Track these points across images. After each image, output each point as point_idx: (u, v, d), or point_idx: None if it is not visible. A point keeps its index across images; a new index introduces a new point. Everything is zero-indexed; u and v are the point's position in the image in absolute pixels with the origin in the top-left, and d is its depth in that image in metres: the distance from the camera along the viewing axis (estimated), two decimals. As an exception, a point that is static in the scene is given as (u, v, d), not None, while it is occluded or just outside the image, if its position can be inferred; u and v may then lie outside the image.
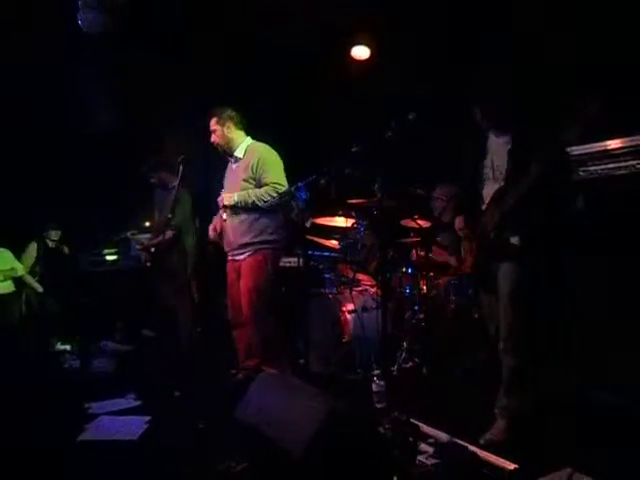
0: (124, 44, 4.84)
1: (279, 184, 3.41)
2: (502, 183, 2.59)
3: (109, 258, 5.40)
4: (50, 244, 5.51)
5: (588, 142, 3.07)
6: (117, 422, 2.97)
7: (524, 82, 2.93)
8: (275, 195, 3.37)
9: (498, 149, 2.64)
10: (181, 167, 3.63)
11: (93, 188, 5.49)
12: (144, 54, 5.09)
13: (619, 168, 2.98)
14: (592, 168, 3.10)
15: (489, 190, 2.66)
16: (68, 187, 5.53)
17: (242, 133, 3.59)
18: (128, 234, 4.89)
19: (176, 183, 4.56)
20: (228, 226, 3.52)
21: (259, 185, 3.43)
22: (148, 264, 4.56)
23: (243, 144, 3.57)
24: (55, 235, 5.53)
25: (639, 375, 2.77)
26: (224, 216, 3.54)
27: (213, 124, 3.54)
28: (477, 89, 2.70)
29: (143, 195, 4.80)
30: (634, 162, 2.90)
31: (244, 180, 3.45)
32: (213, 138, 3.54)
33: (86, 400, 3.28)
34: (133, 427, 2.86)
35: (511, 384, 2.60)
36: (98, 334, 4.69)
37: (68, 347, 4.40)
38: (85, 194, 5.49)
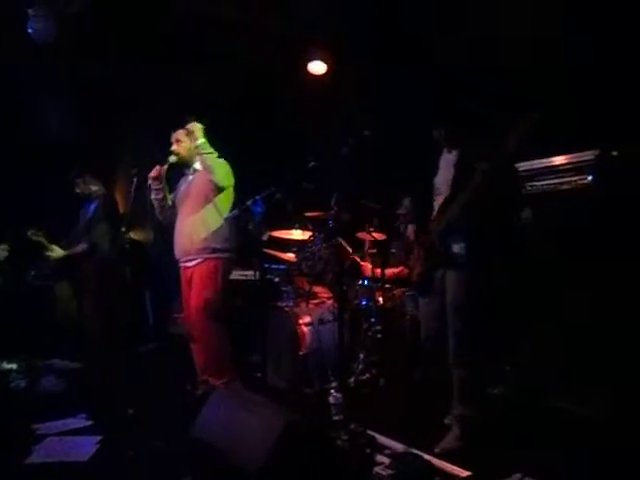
0: (76, 54, 4.76)
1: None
2: (448, 192, 2.70)
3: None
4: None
5: (534, 159, 3.23)
6: (66, 443, 2.85)
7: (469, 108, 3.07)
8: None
9: (448, 164, 2.76)
10: (135, 179, 3.58)
11: (42, 199, 5.32)
12: (97, 65, 5.01)
13: (562, 183, 3.15)
14: (538, 183, 3.27)
15: (437, 203, 2.77)
16: (14, 200, 5.34)
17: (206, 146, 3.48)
18: (29, 233, 4.69)
19: (100, 193, 4.55)
20: (178, 229, 3.50)
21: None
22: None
23: (203, 158, 3.45)
24: (5, 251, 5.30)
25: (589, 378, 2.90)
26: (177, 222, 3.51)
27: (180, 135, 3.50)
28: (441, 111, 2.81)
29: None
30: (576, 178, 3.07)
31: (203, 192, 3.43)
32: (177, 149, 3.50)
33: (34, 421, 3.15)
34: (83, 448, 2.76)
35: (463, 394, 2.67)
36: (45, 351, 4.52)
37: (14, 366, 4.21)
38: (32, 207, 5.30)
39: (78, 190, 4.60)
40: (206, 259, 3.39)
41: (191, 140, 3.46)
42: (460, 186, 2.60)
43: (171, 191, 3.67)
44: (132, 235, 5.32)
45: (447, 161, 2.77)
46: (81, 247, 4.43)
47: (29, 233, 4.52)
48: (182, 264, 3.49)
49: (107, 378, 3.93)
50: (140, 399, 3.35)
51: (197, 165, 3.53)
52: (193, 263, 3.41)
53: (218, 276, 3.40)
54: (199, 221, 3.42)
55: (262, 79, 5.11)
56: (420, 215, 2.95)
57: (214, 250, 3.41)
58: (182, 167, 3.61)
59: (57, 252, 4.51)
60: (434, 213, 2.78)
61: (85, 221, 4.55)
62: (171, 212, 3.60)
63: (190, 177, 3.58)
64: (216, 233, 3.41)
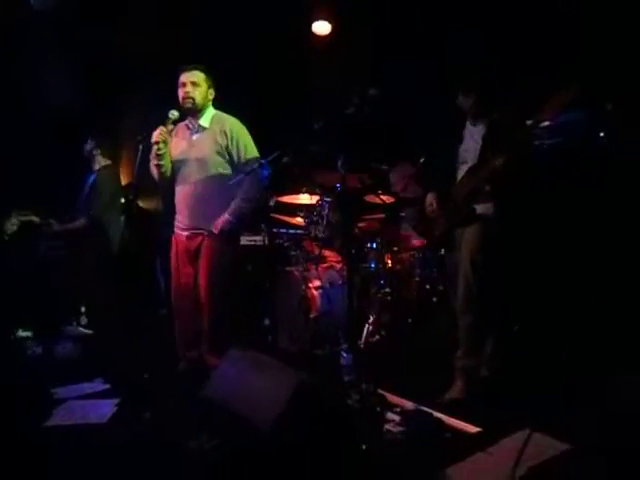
0: (77, 21, 4.68)
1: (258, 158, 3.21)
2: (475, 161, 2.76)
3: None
4: (9, 230, 5.32)
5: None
6: (85, 405, 2.94)
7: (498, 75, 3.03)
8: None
9: (474, 136, 2.81)
10: (141, 146, 3.55)
11: (46, 171, 5.32)
12: (98, 31, 4.93)
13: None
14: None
15: (462, 172, 2.84)
16: (20, 171, 5.34)
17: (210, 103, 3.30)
18: (13, 214, 4.67)
19: (99, 166, 4.52)
20: (189, 197, 3.19)
21: (234, 162, 3.19)
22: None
23: (208, 113, 3.24)
24: (15, 220, 5.33)
25: (598, 332, 2.93)
26: (182, 187, 3.22)
27: (198, 77, 3.15)
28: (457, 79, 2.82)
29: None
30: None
31: (217, 153, 3.15)
32: (192, 93, 3.11)
33: (52, 386, 3.23)
34: (102, 410, 2.84)
35: (469, 343, 2.73)
36: (61, 319, 4.61)
37: (30, 334, 4.30)
38: (39, 177, 5.31)
39: (85, 153, 4.58)
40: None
41: (208, 87, 3.20)
42: (487, 156, 2.65)
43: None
44: (140, 203, 5.33)
45: (472, 133, 2.83)
46: (79, 222, 4.45)
47: (13, 215, 4.52)
48: (189, 232, 3.21)
49: (121, 344, 4.00)
50: (154, 363, 3.42)
51: (203, 121, 3.22)
52: (203, 234, 3.18)
53: (230, 247, 3.22)
54: (212, 187, 3.15)
55: (266, 40, 5.00)
56: (439, 182, 3.00)
57: None
58: (184, 120, 3.26)
59: (53, 226, 4.53)
60: (458, 179, 2.85)
61: (85, 194, 4.55)
62: (169, 178, 3.29)
63: (194, 135, 3.24)
64: (228, 201, 3.17)
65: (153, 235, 5.27)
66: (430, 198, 3.02)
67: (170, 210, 3.51)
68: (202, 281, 3.17)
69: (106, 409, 2.84)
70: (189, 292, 3.23)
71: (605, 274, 3.02)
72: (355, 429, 2.31)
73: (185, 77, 3.15)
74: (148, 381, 3.13)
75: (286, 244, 4.37)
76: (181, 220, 3.26)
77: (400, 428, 2.34)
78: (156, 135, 3.10)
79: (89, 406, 2.93)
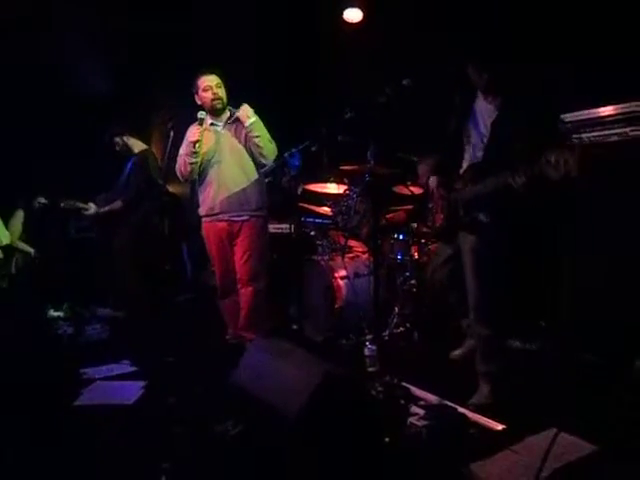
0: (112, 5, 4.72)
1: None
2: (480, 153, 2.59)
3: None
4: (38, 208, 5.43)
5: (580, 109, 3.08)
6: (113, 387, 3.01)
7: (523, 51, 2.90)
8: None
9: (483, 113, 2.62)
10: (172, 133, 3.58)
11: (80, 154, 5.40)
12: (132, 16, 4.97)
13: (610, 135, 3.00)
14: (584, 135, 3.11)
15: (468, 155, 2.67)
16: (55, 153, 5.44)
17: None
18: (62, 204, 4.78)
19: (138, 149, 4.57)
20: (228, 186, 3.41)
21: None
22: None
23: (228, 110, 3.48)
24: (43, 200, 5.45)
25: (621, 336, 2.85)
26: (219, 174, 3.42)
27: (220, 80, 3.38)
28: (475, 49, 2.65)
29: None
30: (627, 129, 2.91)
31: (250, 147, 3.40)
32: (220, 93, 3.36)
33: (81, 366, 3.31)
34: (129, 392, 2.89)
35: (486, 352, 2.66)
36: (91, 300, 4.71)
37: (61, 314, 4.41)
38: (72, 160, 5.40)
39: (117, 149, 4.64)
40: (257, 216, 3.45)
41: (224, 88, 3.40)
42: (495, 154, 2.48)
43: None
44: (169, 188, 5.39)
45: (483, 110, 2.63)
46: (117, 204, 4.52)
47: (62, 205, 4.62)
48: (226, 218, 3.43)
49: (148, 327, 4.07)
50: (180, 347, 3.48)
51: (231, 117, 3.44)
52: (242, 218, 3.41)
53: (265, 232, 3.54)
54: (247, 176, 3.42)
55: (297, 28, 4.97)
56: (446, 166, 2.84)
57: (263, 207, 3.49)
58: (214, 117, 3.46)
59: (92, 209, 4.61)
60: (463, 166, 2.69)
61: (123, 178, 4.62)
62: (196, 175, 3.50)
63: (223, 131, 3.45)
64: (263, 189, 3.50)
65: (181, 220, 5.34)
66: (433, 181, 2.86)
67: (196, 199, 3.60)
68: (243, 258, 3.42)
69: (133, 391, 2.90)
70: (233, 273, 3.49)
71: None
72: (379, 421, 2.32)
73: (209, 81, 3.36)
74: (175, 364, 3.19)
75: (312, 233, 4.37)
76: (218, 208, 3.44)
77: (424, 422, 2.32)
78: (194, 134, 3.31)
79: (116, 387, 3.00)
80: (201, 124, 3.30)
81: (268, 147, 3.37)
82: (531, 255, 3.26)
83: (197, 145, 3.31)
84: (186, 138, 3.41)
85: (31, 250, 5.26)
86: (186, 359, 3.30)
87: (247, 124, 3.33)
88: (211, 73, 3.37)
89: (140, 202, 4.50)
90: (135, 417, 2.62)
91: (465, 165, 2.70)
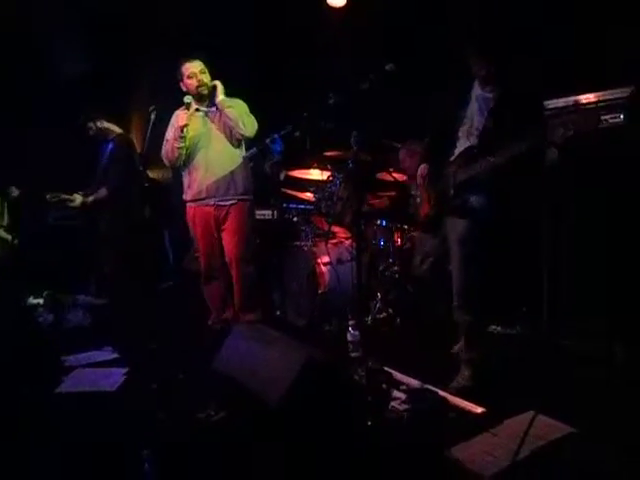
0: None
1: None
2: (475, 141, 2.56)
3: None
4: (11, 198, 5.33)
5: (561, 96, 3.10)
6: (95, 374, 2.99)
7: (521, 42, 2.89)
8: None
9: (480, 103, 2.58)
10: (152, 117, 3.53)
11: (59, 140, 5.30)
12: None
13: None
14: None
15: (461, 143, 2.63)
16: (32, 138, 5.33)
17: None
18: (47, 197, 4.69)
19: (115, 133, 4.49)
20: (215, 170, 3.43)
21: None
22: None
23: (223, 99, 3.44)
24: (16, 191, 5.34)
25: (599, 318, 2.91)
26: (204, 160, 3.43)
27: (201, 67, 3.37)
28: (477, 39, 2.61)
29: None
30: (607, 116, 2.93)
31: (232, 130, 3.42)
32: (204, 79, 3.36)
33: (62, 353, 3.28)
34: (111, 378, 2.89)
35: (469, 338, 2.69)
36: (72, 288, 4.66)
37: (41, 301, 4.35)
38: (50, 146, 5.30)
39: (91, 133, 4.54)
40: (244, 200, 3.49)
41: (207, 73, 3.40)
42: (489, 140, 2.46)
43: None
44: (150, 174, 5.32)
45: (479, 99, 2.59)
46: (101, 193, 4.41)
47: (48, 198, 4.53)
48: (213, 202, 3.45)
49: (130, 314, 4.05)
50: (162, 334, 3.47)
51: (217, 102, 3.41)
52: (229, 203, 3.45)
53: (252, 216, 3.63)
54: (233, 160, 3.46)
55: (279, 12, 4.90)
56: (436, 152, 2.80)
57: (249, 191, 3.52)
58: (200, 103, 3.46)
59: (77, 200, 4.52)
60: (455, 153, 2.66)
61: (103, 164, 4.52)
62: (184, 159, 3.49)
63: (209, 115, 3.46)
64: (249, 173, 3.54)
65: (162, 206, 5.29)
66: (422, 169, 2.82)
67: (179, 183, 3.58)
68: (233, 242, 3.48)
69: (115, 378, 2.89)
70: (219, 257, 3.54)
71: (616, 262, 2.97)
72: (361, 405, 2.34)
73: (193, 67, 3.36)
74: (157, 351, 3.18)
75: (295, 219, 4.36)
76: (205, 192, 3.45)
77: (405, 406, 2.36)
78: (182, 119, 3.34)
79: (98, 374, 2.98)
80: (188, 109, 3.33)
81: (245, 120, 3.37)
82: (516, 240, 3.28)
83: (185, 130, 3.33)
84: (172, 123, 3.42)
85: (8, 237, 5.17)
86: (168, 345, 3.29)
87: (219, 99, 3.37)
88: (194, 59, 3.37)
89: (124, 188, 4.42)
90: (117, 404, 2.61)
91: (457, 152, 2.67)
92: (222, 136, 3.44)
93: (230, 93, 3.47)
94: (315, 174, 4.21)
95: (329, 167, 4.09)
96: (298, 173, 4.27)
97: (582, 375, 2.67)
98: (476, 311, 2.65)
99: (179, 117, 3.36)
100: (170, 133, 3.42)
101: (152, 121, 3.51)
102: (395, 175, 4.02)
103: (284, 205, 4.35)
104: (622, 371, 2.67)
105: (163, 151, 3.46)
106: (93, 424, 2.38)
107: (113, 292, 4.47)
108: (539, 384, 2.60)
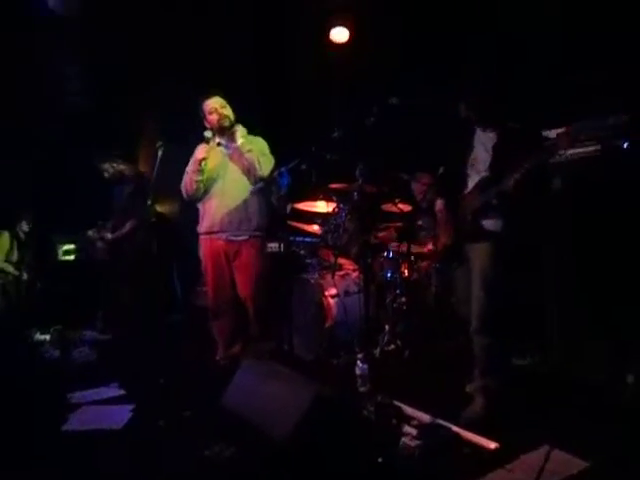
0: (98, 24, 4.74)
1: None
2: (486, 174, 2.67)
3: (66, 252, 5.33)
4: (21, 235, 5.40)
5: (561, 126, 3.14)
6: (101, 411, 2.95)
7: (508, 79, 2.98)
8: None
9: (485, 143, 2.71)
10: (160, 152, 3.58)
11: (66, 175, 5.38)
12: (118, 36, 4.98)
13: (593, 150, 3.07)
14: (568, 151, 3.18)
15: (473, 179, 2.74)
16: (40, 173, 5.41)
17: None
18: (90, 233, 4.78)
19: (133, 173, 4.57)
20: (230, 205, 3.44)
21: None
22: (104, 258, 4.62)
23: (238, 131, 3.50)
24: (26, 226, 5.41)
25: (613, 354, 2.87)
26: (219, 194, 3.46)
27: (224, 101, 3.45)
28: (463, 84, 2.74)
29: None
30: (607, 144, 2.98)
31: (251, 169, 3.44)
32: (226, 112, 3.43)
33: (68, 390, 3.25)
34: (117, 416, 2.84)
35: (485, 364, 2.67)
36: (78, 324, 4.65)
37: (47, 337, 4.34)
38: (58, 181, 5.37)
39: (107, 175, 4.61)
40: (257, 236, 3.51)
41: (228, 107, 3.47)
42: (498, 169, 2.58)
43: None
44: (158, 208, 5.37)
45: (482, 140, 2.73)
46: (127, 227, 4.47)
47: (88, 235, 4.61)
48: (225, 237, 3.46)
49: (137, 349, 4.02)
50: (170, 369, 3.43)
51: (238, 137, 3.46)
52: (240, 238, 3.45)
53: (265, 252, 3.65)
54: (249, 196, 3.46)
55: (286, 48, 5.02)
56: (449, 189, 2.91)
57: (262, 227, 3.54)
58: (221, 138, 3.51)
59: (108, 236, 4.58)
60: (468, 189, 2.76)
61: (123, 202, 4.58)
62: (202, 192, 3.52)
63: (229, 149, 3.50)
64: (263, 209, 3.55)
65: (170, 240, 5.31)
66: (439, 205, 2.95)
67: (192, 217, 3.60)
68: (246, 279, 3.47)
69: (122, 415, 2.85)
70: (229, 292, 3.51)
71: (624, 290, 2.95)
72: (371, 442, 2.30)
73: (213, 103, 3.45)
74: (164, 387, 3.14)
75: (302, 252, 4.36)
76: (218, 225, 3.46)
77: (417, 442, 2.30)
78: (202, 152, 3.42)
79: (104, 411, 2.94)
80: (208, 143, 3.40)
81: (261, 160, 3.41)
82: (528, 265, 3.29)
83: (203, 163, 3.40)
84: (193, 156, 3.47)
85: (16, 272, 5.21)
86: (176, 381, 3.26)
87: (238, 144, 3.42)
88: (214, 95, 3.46)
89: (144, 222, 4.48)
90: (124, 441, 2.57)
91: (472, 185, 2.78)
92: (239, 170, 3.47)
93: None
94: (321, 206, 4.22)
95: (335, 199, 4.11)
96: (304, 206, 4.29)
97: (595, 405, 2.61)
98: (495, 334, 2.64)
99: (199, 150, 3.43)
100: (190, 166, 3.47)
101: (160, 156, 3.56)
102: (401, 206, 4.03)
103: (291, 238, 4.37)
104: (635, 400, 2.62)
105: (182, 183, 3.50)
106: (100, 462, 2.34)
107: (121, 327, 4.46)
108: (553, 416, 2.56)
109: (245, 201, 3.46)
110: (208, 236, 3.51)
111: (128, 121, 5.70)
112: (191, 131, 3.51)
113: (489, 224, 2.65)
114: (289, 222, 4.23)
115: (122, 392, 3.25)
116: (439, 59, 4.08)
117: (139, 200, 4.48)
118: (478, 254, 2.67)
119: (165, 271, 5.38)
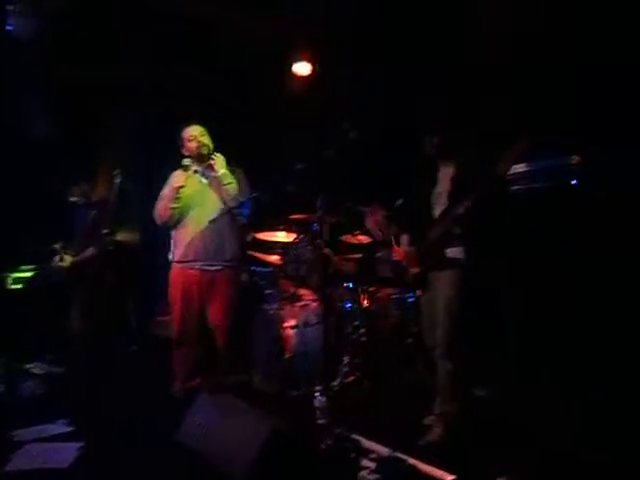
0: (56, 51, 4.68)
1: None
2: (446, 203, 2.79)
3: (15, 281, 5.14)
4: None
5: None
6: (46, 450, 2.80)
7: (461, 115, 3.12)
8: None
9: (446, 177, 2.83)
10: (117, 180, 3.54)
11: (17, 201, 5.22)
12: (78, 62, 4.93)
13: (544, 187, 3.23)
14: (521, 186, 3.34)
15: (437, 210, 2.86)
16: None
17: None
18: (57, 246, 4.63)
19: (98, 197, 4.47)
20: (205, 234, 3.40)
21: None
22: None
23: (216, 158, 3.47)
24: None
25: (572, 380, 2.95)
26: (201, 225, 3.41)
27: (203, 129, 3.48)
28: (422, 122, 2.86)
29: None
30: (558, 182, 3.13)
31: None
32: (205, 140, 3.43)
33: (12, 427, 3.08)
34: (64, 454, 2.70)
35: (447, 389, 2.71)
36: (26, 355, 4.44)
37: (-10, 371, 4.12)
38: (8, 208, 5.20)
39: (73, 198, 4.50)
40: (231, 266, 3.47)
41: (207, 135, 3.49)
42: (456, 199, 2.69)
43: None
44: (118, 237, 5.25)
45: (444, 174, 2.85)
46: (89, 252, 4.33)
47: (52, 264, 4.45)
48: (199, 266, 3.40)
49: (89, 382, 3.86)
50: (123, 403, 3.31)
51: (216, 166, 3.41)
52: (214, 269, 3.41)
53: (238, 282, 3.62)
54: (225, 224, 3.44)
55: (247, 81, 5.07)
56: (409, 222, 3.04)
57: (236, 257, 3.51)
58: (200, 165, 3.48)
59: (67, 260, 4.43)
60: (434, 217, 2.87)
61: (87, 227, 4.46)
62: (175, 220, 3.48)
63: (204, 179, 3.47)
64: (237, 239, 3.52)
65: (129, 269, 5.19)
66: (404, 239, 3.05)
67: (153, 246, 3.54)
68: (219, 309, 3.44)
69: (68, 453, 2.71)
70: (196, 322, 3.45)
71: (585, 316, 3.05)
72: (329, 476, 2.26)
73: (192, 130, 3.47)
74: (116, 422, 3.02)
75: (261, 282, 4.33)
76: (192, 254, 3.41)
77: (375, 476, 2.29)
78: (180, 179, 3.38)
79: (50, 450, 2.79)
80: (185, 170, 3.38)
81: (238, 192, 3.42)
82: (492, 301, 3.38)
83: (180, 191, 3.37)
84: (169, 183, 3.44)
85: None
86: (129, 416, 3.14)
87: (218, 174, 3.39)
88: (193, 124, 3.49)
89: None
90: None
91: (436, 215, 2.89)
92: (215, 199, 3.44)
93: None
94: (281, 236, 4.23)
95: (295, 230, 4.13)
96: (265, 235, 4.29)
97: (556, 442, 2.65)
98: (458, 360, 2.70)
99: (176, 178, 3.41)
100: (166, 191, 3.43)
101: (117, 184, 3.51)
102: (360, 238, 4.08)
103: (252, 268, 4.34)
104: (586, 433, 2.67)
105: (155, 210, 3.45)
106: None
107: (73, 359, 4.28)
108: (510, 448, 2.58)
109: (220, 231, 3.42)
110: (181, 265, 3.44)
111: (87, 149, 5.60)
112: (150, 160, 3.48)
113: (453, 252, 2.75)
114: (249, 252, 4.22)
115: (70, 429, 3.10)
116: (399, 92, 4.20)
117: (102, 227, 4.36)
118: (443, 281, 2.76)
119: (120, 301, 5.23)
